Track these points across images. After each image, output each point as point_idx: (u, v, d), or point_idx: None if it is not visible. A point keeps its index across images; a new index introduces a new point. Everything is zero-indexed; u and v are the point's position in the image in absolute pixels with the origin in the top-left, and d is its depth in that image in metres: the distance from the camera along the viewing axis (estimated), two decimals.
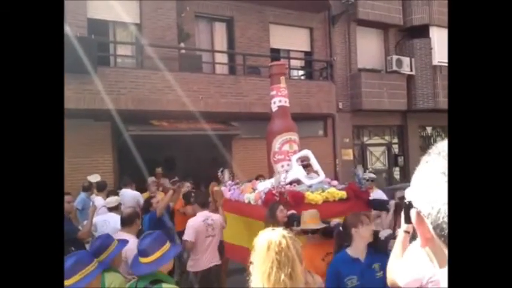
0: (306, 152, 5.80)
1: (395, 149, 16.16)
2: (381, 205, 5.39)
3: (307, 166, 8.59)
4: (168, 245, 2.98)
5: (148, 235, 3.06)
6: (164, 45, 11.41)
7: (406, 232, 2.32)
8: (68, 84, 9.00)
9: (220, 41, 12.96)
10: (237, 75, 12.10)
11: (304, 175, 5.53)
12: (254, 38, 13.03)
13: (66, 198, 5.90)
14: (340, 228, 3.65)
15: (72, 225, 6.06)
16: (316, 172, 5.72)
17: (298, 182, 5.48)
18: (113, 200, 6.50)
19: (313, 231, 4.01)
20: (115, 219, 5.76)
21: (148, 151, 10.72)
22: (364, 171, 10.07)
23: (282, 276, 1.64)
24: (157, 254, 2.87)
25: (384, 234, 3.43)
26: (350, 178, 6.50)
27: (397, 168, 15.89)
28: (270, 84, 6.23)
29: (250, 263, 1.78)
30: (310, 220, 4.13)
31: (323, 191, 5.13)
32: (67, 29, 9.07)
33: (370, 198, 5.48)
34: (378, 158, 15.73)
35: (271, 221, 4.55)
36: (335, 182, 5.75)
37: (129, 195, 7.71)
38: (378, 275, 3.32)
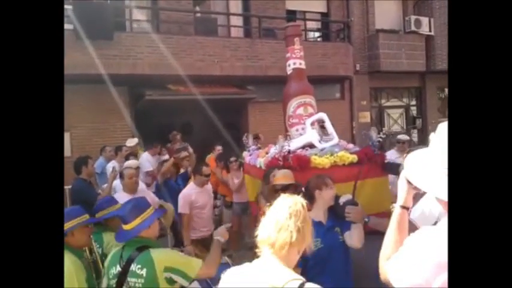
0: (321, 115, 5.67)
1: (414, 111, 16.00)
2: (395, 168, 5.26)
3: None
4: (150, 210, 2.88)
5: (129, 201, 3.00)
6: (179, 9, 11.35)
7: (404, 208, 1.85)
8: (85, 49, 9.07)
9: (236, 3, 12.80)
10: (253, 38, 12.01)
11: (318, 139, 5.38)
12: None
13: (89, 161, 6.06)
14: (303, 189, 3.57)
15: (93, 189, 6.25)
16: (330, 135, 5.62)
17: (312, 146, 5.34)
18: (131, 163, 6.66)
19: (283, 189, 3.90)
20: None
21: (165, 115, 10.84)
22: (399, 134, 9.95)
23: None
24: (138, 221, 2.78)
25: (342, 200, 3.32)
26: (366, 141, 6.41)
27: (415, 131, 15.76)
28: (286, 46, 6.16)
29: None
30: (282, 177, 4.08)
31: (331, 155, 4.94)
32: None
33: (387, 161, 5.31)
34: (395, 120, 15.60)
35: (267, 185, 4.53)
36: (350, 146, 5.55)
37: (146, 160, 7.89)
38: (341, 238, 3.31)
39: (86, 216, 3.10)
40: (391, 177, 5.22)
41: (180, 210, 5.50)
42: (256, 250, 1.92)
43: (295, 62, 5.96)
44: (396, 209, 1.84)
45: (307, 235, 1.89)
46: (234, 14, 12.69)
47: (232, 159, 6.98)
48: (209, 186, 5.95)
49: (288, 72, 6.02)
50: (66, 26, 8.89)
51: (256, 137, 8.53)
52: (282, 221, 1.86)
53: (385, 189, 5.08)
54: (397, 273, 1.61)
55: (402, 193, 1.85)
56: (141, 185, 6.24)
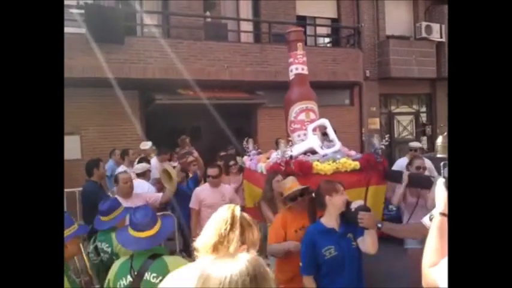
0: (323, 121, 5.58)
1: (423, 118, 15.91)
2: (397, 177, 5.08)
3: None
4: (159, 221, 2.85)
5: (140, 209, 2.92)
6: (190, 14, 11.40)
7: (443, 215, 1.81)
8: (96, 53, 9.12)
9: (246, 8, 12.82)
10: (263, 43, 12.02)
11: (319, 145, 5.28)
12: (280, 5, 12.82)
13: (101, 164, 6.09)
14: (313, 195, 3.56)
15: (103, 192, 6.26)
16: (331, 141, 5.55)
17: (314, 151, 5.25)
18: (140, 167, 6.68)
19: (293, 199, 3.89)
20: (142, 185, 5.96)
21: (175, 120, 10.86)
22: (413, 142, 9.81)
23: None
24: (156, 228, 2.76)
25: (354, 205, 3.27)
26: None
27: (425, 138, 15.66)
28: (288, 51, 6.09)
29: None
30: (292, 185, 4.00)
31: (334, 161, 4.87)
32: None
33: (395, 168, 5.18)
34: (405, 127, 15.52)
35: (269, 191, 4.54)
36: (352, 152, 5.48)
37: (154, 167, 7.89)
38: (354, 244, 3.28)
39: (75, 226, 2.94)
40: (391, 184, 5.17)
41: (190, 205, 5.71)
42: (195, 254, 2.05)
43: (297, 67, 5.88)
44: (436, 217, 1.83)
45: (232, 240, 1.96)
46: (244, 20, 12.71)
47: (231, 162, 6.92)
48: (225, 188, 5.90)
49: (290, 78, 5.97)
50: (78, 30, 8.97)
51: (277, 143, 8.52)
52: (207, 227, 2.04)
53: (382, 198, 5.05)
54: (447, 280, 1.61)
55: (441, 200, 1.83)
56: (149, 187, 6.23)
